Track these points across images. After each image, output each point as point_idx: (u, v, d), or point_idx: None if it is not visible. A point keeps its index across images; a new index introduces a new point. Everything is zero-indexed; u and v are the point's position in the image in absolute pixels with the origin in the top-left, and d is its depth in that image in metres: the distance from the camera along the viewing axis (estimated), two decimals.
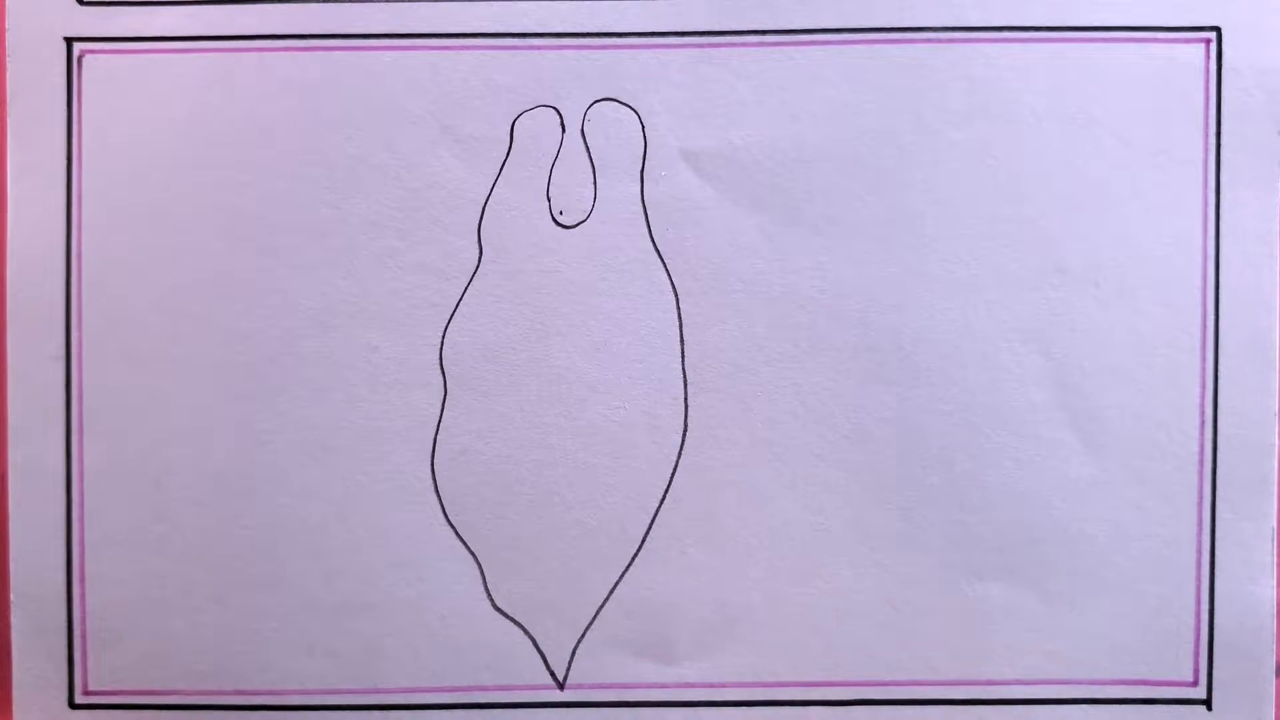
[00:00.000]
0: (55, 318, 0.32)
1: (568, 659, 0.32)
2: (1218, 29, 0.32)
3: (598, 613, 0.32)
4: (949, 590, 0.32)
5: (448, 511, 0.32)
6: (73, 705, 0.32)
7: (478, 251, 0.32)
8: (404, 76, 0.32)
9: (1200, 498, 0.32)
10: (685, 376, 0.32)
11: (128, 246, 0.32)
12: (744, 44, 0.32)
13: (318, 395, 0.32)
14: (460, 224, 0.32)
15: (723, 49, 0.32)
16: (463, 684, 0.32)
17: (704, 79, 0.32)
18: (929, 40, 0.32)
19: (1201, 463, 0.32)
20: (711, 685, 0.32)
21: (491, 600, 0.32)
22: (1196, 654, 0.32)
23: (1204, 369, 0.32)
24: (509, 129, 0.32)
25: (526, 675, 0.32)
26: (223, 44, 0.32)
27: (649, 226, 0.32)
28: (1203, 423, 0.32)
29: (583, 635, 0.32)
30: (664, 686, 0.32)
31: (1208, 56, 0.32)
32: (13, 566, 0.32)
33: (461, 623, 0.32)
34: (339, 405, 0.32)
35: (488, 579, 0.32)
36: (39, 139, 0.32)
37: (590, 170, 0.32)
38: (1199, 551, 0.32)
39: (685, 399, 0.32)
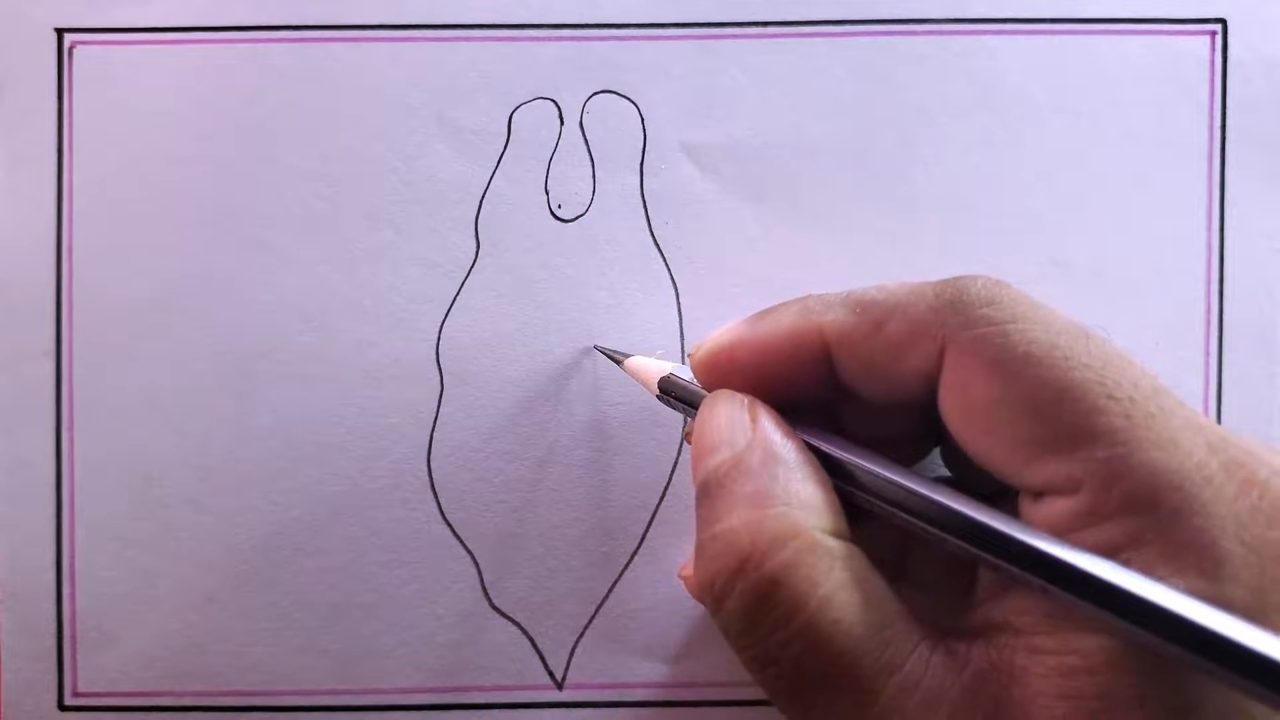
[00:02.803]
0: (45, 312, 0.32)
1: (567, 658, 0.32)
2: (1223, 21, 0.32)
3: (597, 611, 0.32)
4: None
5: (445, 509, 0.32)
6: (62, 707, 0.32)
7: (475, 245, 0.32)
8: (400, 68, 0.32)
9: None
10: None
11: (119, 240, 0.32)
12: (744, 35, 0.32)
13: (312, 391, 0.32)
14: (457, 218, 0.32)
15: (723, 40, 0.32)
16: (460, 684, 0.32)
17: (704, 71, 0.32)
18: (931, 32, 0.32)
19: None
20: (713, 684, 0.32)
21: (489, 599, 0.32)
22: None
23: (1207, 364, 0.32)
24: (506, 121, 0.32)
25: (525, 675, 0.32)
26: (216, 35, 0.32)
27: (648, 220, 0.32)
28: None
29: (582, 634, 0.32)
30: (665, 685, 0.32)
31: (1213, 49, 0.32)
32: (1, 566, 0.31)
33: (459, 622, 0.32)
34: (334, 401, 0.32)
35: (485, 577, 0.32)
36: (29, 131, 0.32)
37: (589, 163, 0.32)
38: None
39: None
